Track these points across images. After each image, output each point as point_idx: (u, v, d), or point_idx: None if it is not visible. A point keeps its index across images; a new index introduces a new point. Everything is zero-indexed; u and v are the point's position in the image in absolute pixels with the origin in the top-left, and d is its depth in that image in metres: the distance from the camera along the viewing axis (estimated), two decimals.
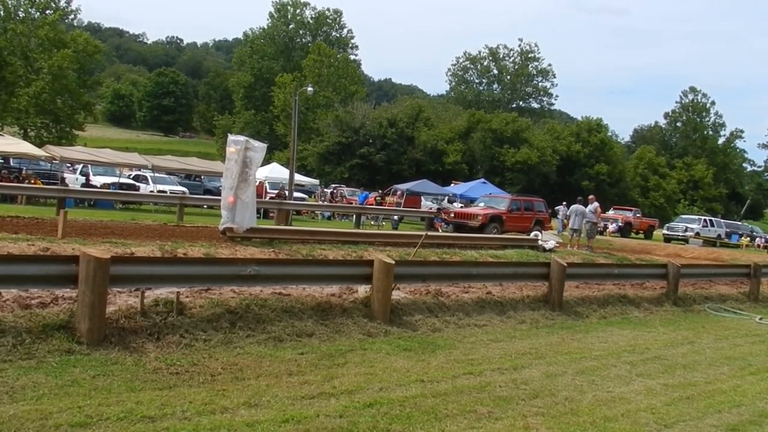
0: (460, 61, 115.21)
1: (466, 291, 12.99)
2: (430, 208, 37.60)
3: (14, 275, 7.55)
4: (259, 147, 16.54)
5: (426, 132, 74.07)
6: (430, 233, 20.69)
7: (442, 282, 12.36)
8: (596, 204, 25.59)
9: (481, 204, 31.61)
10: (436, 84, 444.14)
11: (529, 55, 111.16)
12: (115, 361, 7.01)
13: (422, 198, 42.91)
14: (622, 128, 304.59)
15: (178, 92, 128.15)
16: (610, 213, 48.57)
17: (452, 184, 50.82)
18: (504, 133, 76.73)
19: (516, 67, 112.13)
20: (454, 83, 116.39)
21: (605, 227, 42.20)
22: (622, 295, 14.87)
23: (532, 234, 24.86)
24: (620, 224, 45.68)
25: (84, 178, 34.49)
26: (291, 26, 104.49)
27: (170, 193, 32.17)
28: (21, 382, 6.07)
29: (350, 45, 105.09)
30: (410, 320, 10.36)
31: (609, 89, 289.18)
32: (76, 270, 7.55)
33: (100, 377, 6.45)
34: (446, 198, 43.30)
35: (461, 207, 35.01)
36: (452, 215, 30.59)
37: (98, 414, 5.49)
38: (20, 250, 11.16)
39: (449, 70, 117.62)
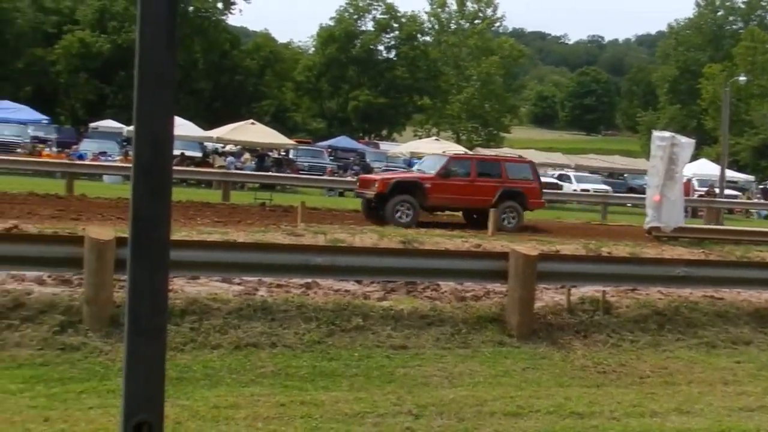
0: None
1: None
2: None
3: (451, 269, 8.36)
4: (687, 143, 16.01)
5: None
6: None
7: None
8: None
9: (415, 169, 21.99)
10: None
11: None
12: (543, 355, 7.23)
13: None
14: None
15: (599, 90, 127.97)
16: None
17: None
18: None
19: None
20: None
21: None
22: None
23: None
24: None
25: None
26: (720, 13, 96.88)
27: (593, 191, 32.22)
28: (459, 369, 6.60)
29: None
30: None
31: None
32: (506, 266, 7.94)
33: (529, 370, 6.71)
34: None
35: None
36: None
37: (529, 405, 5.71)
38: (455, 247, 12.14)
39: None
